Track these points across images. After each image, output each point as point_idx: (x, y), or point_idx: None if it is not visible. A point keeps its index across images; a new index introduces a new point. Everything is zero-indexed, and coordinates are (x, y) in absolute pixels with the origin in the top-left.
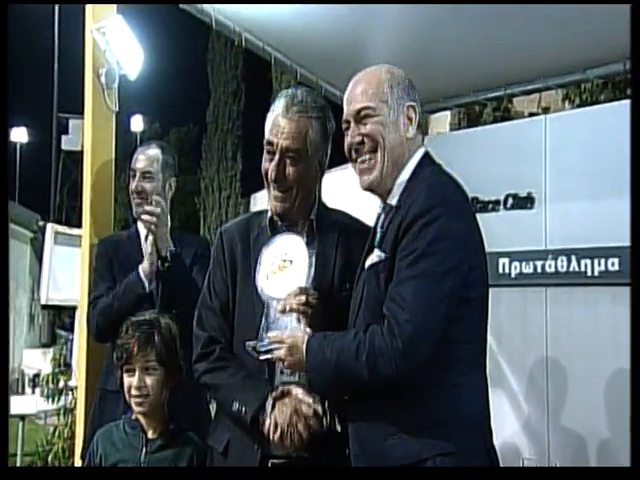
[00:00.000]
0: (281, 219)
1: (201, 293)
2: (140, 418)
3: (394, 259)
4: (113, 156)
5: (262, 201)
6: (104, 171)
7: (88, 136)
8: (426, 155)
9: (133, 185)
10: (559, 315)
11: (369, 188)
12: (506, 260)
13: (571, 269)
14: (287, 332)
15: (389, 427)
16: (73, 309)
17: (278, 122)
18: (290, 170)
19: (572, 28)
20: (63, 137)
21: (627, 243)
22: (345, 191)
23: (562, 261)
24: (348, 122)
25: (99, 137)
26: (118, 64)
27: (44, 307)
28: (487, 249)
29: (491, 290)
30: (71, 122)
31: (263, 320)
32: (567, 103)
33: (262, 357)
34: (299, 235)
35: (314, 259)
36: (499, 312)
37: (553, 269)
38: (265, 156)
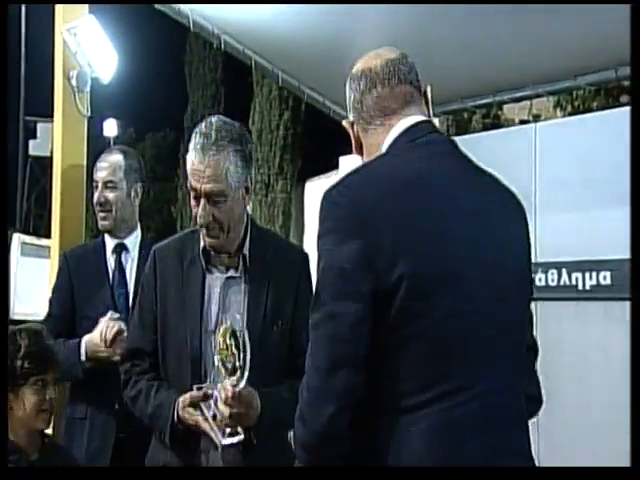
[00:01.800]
0: (214, 251)
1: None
2: (21, 439)
3: None
4: (85, 163)
5: None
6: (75, 178)
7: (58, 142)
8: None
9: (96, 196)
10: (549, 331)
11: None
12: None
13: (562, 283)
14: None
15: None
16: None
17: (197, 167)
18: (217, 213)
19: (563, 34)
20: (31, 142)
21: (620, 256)
22: None
23: (552, 274)
24: None
25: (70, 143)
26: (90, 66)
27: (11, 323)
28: None
29: None
30: (39, 126)
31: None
32: (559, 110)
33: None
34: (232, 268)
35: (246, 296)
36: None
37: (543, 282)
38: (192, 201)
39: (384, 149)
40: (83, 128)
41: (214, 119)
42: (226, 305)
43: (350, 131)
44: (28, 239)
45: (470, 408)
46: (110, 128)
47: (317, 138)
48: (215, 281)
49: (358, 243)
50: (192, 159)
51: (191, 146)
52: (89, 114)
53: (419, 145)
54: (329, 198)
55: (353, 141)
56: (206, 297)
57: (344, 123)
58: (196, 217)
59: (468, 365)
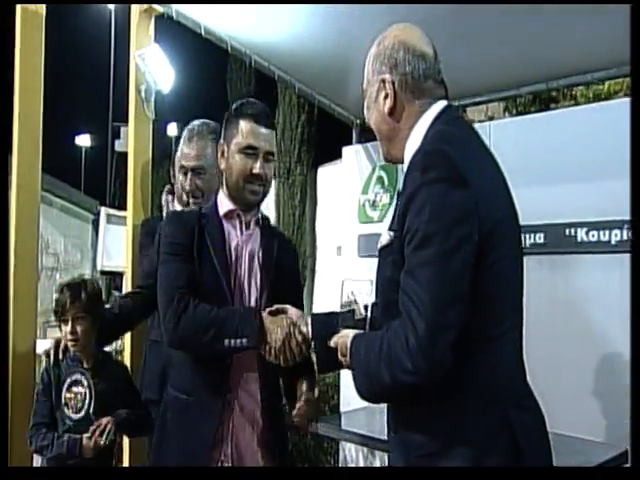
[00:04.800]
0: None
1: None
2: (76, 353)
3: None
4: (150, 156)
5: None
6: (144, 167)
7: (131, 140)
8: (436, 119)
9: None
10: None
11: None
12: None
13: None
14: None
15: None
16: (121, 275)
17: (186, 151)
18: (199, 182)
19: (508, 55)
20: (116, 141)
21: (548, 221)
22: (336, 184)
23: None
24: None
25: (140, 140)
26: (155, 82)
27: (102, 273)
28: None
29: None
30: (122, 129)
31: None
32: (507, 113)
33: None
34: None
35: None
36: None
37: None
38: (181, 176)
39: (428, 120)
40: (149, 129)
41: (197, 121)
42: None
43: (392, 91)
44: (112, 211)
45: (519, 344)
46: (172, 129)
47: (326, 134)
48: None
49: (469, 190)
50: (182, 147)
51: (182, 141)
52: (154, 118)
53: (462, 119)
54: (440, 151)
55: (391, 99)
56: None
57: (387, 79)
58: (186, 189)
59: (519, 306)
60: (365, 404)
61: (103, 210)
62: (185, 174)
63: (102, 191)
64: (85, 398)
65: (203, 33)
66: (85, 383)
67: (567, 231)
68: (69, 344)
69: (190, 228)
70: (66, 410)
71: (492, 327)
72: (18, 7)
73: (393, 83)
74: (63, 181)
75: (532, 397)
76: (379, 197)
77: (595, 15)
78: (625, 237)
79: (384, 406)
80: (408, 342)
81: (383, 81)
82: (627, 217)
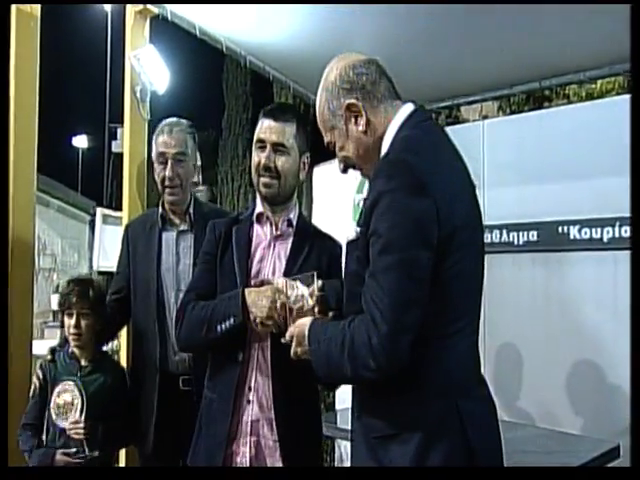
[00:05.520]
0: (172, 212)
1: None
2: (75, 350)
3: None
4: (146, 156)
5: None
6: (140, 168)
7: (126, 140)
8: (404, 123)
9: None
10: (491, 276)
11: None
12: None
13: (502, 240)
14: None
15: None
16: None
17: (166, 140)
18: (179, 170)
19: (502, 55)
20: (113, 142)
21: (541, 219)
22: (332, 183)
23: (496, 234)
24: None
25: (135, 141)
26: (150, 83)
27: (98, 273)
28: None
29: None
30: (119, 130)
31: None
32: (501, 112)
33: None
34: (182, 224)
35: (193, 242)
36: None
37: (489, 240)
38: (159, 167)
39: (396, 125)
40: (145, 129)
41: (172, 118)
42: (178, 250)
43: (361, 109)
44: (107, 212)
45: (474, 339)
46: None
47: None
48: (170, 235)
49: (429, 198)
50: (162, 138)
51: (158, 133)
52: (149, 118)
53: (430, 122)
54: (403, 161)
55: (363, 116)
56: (163, 247)
57: (353, 102)
58: (162, 179)
59: (476, 304)
60: None
61: (99, 211)
62: (165, 163)
63: (99, 192)
64: (73, 407)
65: (198, 34)
66: (75, 391)
67: (560, 229)
68: (71, 338)
69: (218, 235)
70: (54, 416)
71: (448, 325)
72: (13, 8)
73: (357, 99)
74: (60, 182)
75: (484, 387)
76: None
77: (588, 15)
78: (617, 234)
79: None
80: (371, 341)
81: (349, 107)
82: (619, 214)
